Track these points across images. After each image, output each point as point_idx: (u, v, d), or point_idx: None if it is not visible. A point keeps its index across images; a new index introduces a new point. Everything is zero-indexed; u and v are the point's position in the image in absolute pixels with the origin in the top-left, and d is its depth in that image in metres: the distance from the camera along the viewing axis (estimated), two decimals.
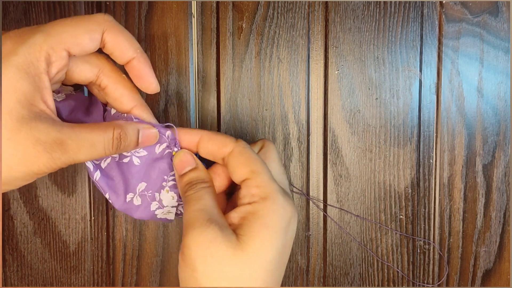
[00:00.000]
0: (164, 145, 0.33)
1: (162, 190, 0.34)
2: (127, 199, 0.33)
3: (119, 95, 0.31)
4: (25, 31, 0.27)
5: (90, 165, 0.32)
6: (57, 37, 0.27)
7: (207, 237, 0.27)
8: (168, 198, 0.34)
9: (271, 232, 0.28)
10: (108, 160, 0.33)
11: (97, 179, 0.32)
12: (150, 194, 0.34)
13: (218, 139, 0.32)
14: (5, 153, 0.25)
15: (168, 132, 0.32)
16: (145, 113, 0.32)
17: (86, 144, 0.27)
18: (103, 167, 0.33)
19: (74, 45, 0.27)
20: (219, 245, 0.27)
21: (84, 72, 0.30)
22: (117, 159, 0.33)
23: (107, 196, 0.33)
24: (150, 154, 0.33)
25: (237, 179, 0.31)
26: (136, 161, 0.33)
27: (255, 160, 0.30)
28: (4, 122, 0.25)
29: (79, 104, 0.32)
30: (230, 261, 0.27)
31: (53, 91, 0.31)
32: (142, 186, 0.33)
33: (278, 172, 0.32)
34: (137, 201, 0.34)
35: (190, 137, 0.32)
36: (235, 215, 0.29)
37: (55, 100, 0.30)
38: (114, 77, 0.31)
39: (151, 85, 0.31)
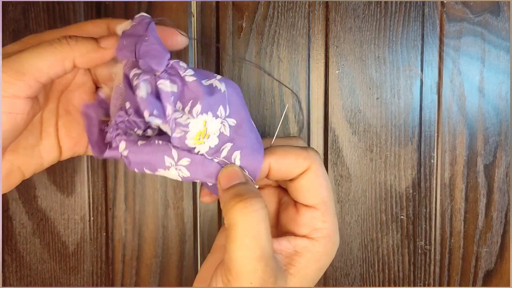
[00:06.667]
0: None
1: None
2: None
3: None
4: None
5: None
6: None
7: (259, 275, 0.24)
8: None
9: (319, 273, 0.28)
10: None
11: (144, 98, 0.26)
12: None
13: (288, 163, 0.27)
14: None
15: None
16: None
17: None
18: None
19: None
20: (269, 279, 0.25)
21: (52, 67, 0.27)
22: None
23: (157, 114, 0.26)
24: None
25: (302, 201, 0.28)
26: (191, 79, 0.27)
27: (327, 188, 0.28)
28: None
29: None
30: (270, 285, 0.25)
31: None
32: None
33: None
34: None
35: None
36: (289, 246, 0.27)
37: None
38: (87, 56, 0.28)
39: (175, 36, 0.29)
